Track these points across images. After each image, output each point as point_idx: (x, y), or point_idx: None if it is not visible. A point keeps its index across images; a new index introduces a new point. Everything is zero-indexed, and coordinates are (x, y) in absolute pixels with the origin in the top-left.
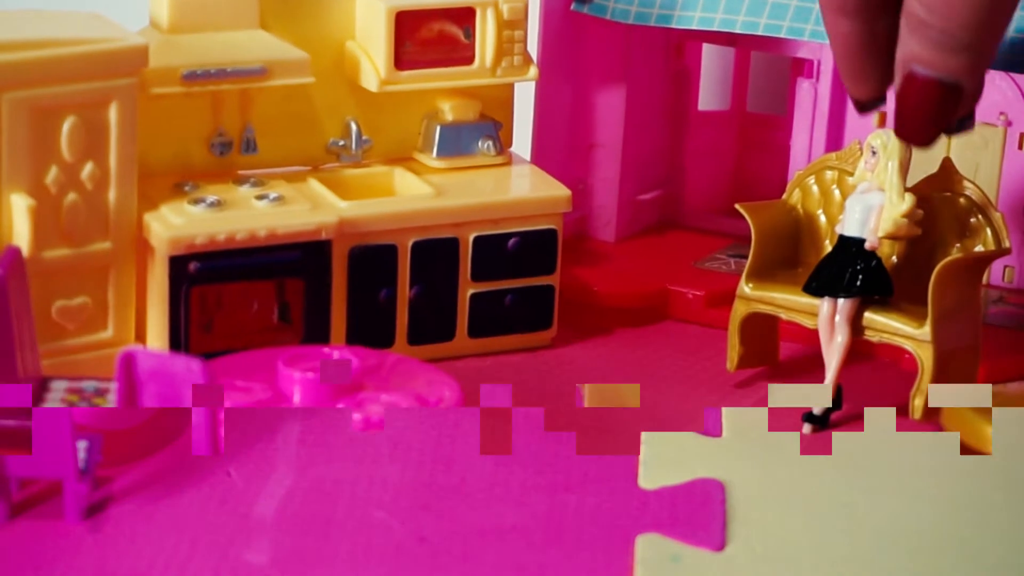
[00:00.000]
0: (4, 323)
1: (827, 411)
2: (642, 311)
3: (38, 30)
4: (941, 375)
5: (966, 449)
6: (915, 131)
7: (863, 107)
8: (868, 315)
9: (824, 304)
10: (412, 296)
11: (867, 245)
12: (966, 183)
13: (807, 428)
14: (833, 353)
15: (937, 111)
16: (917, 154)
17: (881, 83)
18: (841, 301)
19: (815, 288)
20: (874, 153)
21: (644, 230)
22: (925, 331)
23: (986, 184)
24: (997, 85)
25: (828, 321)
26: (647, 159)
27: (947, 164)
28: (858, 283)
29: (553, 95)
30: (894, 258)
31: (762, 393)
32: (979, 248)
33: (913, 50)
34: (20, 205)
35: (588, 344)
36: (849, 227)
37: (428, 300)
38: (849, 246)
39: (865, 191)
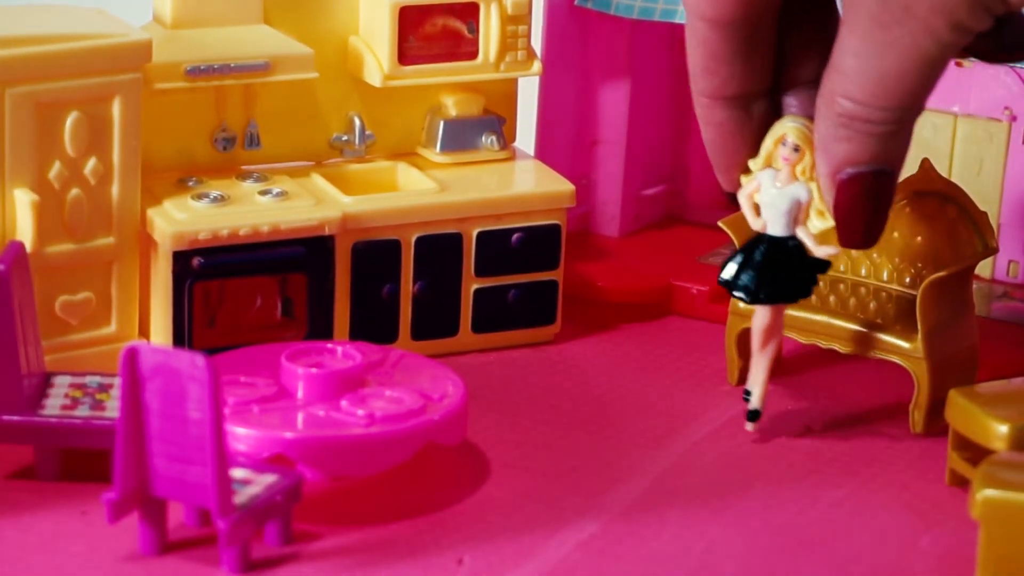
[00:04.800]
0: (7, 318)
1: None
2: (646, 306)
3: (42, 25)
4: (938, 385)
5: (973, 447)
6: (865, 233)
7: (733, 200)
8: (860, 330)
9: (766, 311)
10: (416, 291)
11: (823, 254)
12: (948, 183)
13: (751, 426)
14: (766, 356)
15: (883, 203)
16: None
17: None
18: (779, 306)
19: (755, 297)
20: (797, 149)
21: (648, 225)
22: (917, 347)
23: (991, 180)
24: (1002, 80)
25: (769, 327)
26: (651, 154)
27: (926, 164)
28: (807, 285)
29: (557, 90)
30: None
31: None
32: (965, 249)
33: (846, 152)
34: (24, 200)
35: (592, 339)
36: (776, 226)
37: (432, 295)
38: (783, 247)
39: (783, 184)
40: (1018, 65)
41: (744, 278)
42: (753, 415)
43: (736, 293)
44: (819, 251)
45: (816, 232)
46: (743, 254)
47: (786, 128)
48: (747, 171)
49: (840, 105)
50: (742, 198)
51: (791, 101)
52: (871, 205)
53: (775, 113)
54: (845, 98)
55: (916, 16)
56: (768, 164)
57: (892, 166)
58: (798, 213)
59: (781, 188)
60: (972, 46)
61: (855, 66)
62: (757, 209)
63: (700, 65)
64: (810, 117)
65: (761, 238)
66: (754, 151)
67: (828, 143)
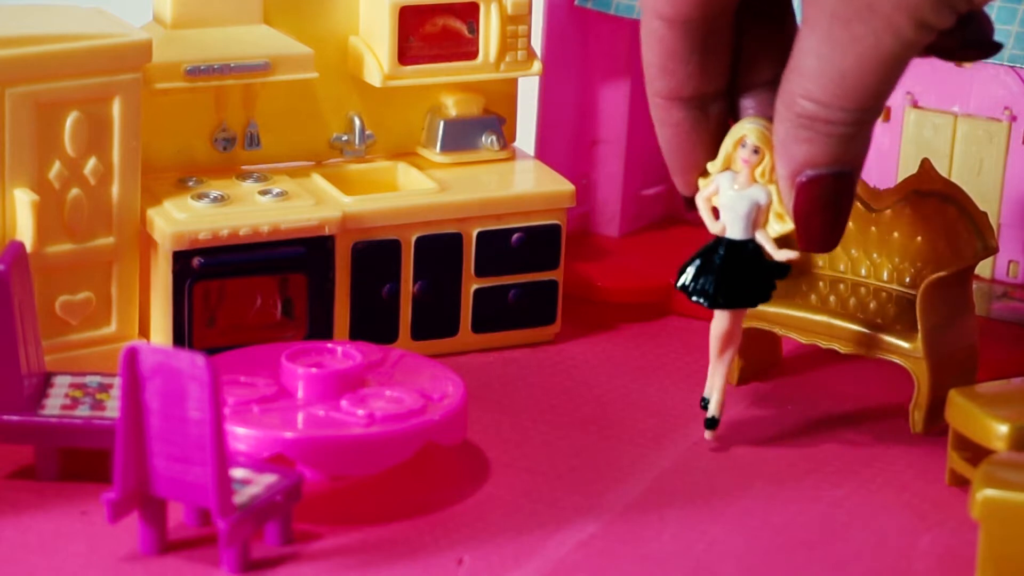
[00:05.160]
0: (7, 318)
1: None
2: (646, 306)
3: (42, 25)
4: (938, 385)
5: (973, 447)
6: (825, 236)
7: (690, 204)
8: (860, 330)
9: (725, 317)
10: (416, 291)
11: (783, 258)
12: (948, 183)
13: (709, 434)
14: (727, 360)
15: (843, 206)
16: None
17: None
18: (738, 311)
19: (716, 302)
20: (756, 151)
21: (648, 225)
22: (917, 347)
23: (991, 180)
24: (1002, 80)
25: (728, 332)
26: (651, 154)
27: (926, 164)
28: (766, 290)
29: (557, 90)
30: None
31: (763, 391)
32: (965, 249)
33: (806, 154)
34: (23, 200)
35: (591, 339)
36: (735, 229)
37: (431, 295)
38: (741, 251)
39: (736, 186)
40: (1018, 64)
41: (702, 282)
42: (711, 423)
43: (695, 298)
44: (778, 255)
45: (775, 235)
46: (701, 258)
47: (746, 129)
48: (704, 174)
49: (800, 106)
50: (700, 201)
51: (748, 103)
52: (831, 207)
53: (732, 115)
54: (805, 99)
55: (878, 13)
56: (727, 166)
57: (852, 167)
58: (757, 216)
59: (740, 191)
60: (934, 44)
61: (815, 66)
62: (715, 212)
63: (657, 65)
64: (769, 118)
65: (719, 242)
66: (711, 153)
67: (787, 145)
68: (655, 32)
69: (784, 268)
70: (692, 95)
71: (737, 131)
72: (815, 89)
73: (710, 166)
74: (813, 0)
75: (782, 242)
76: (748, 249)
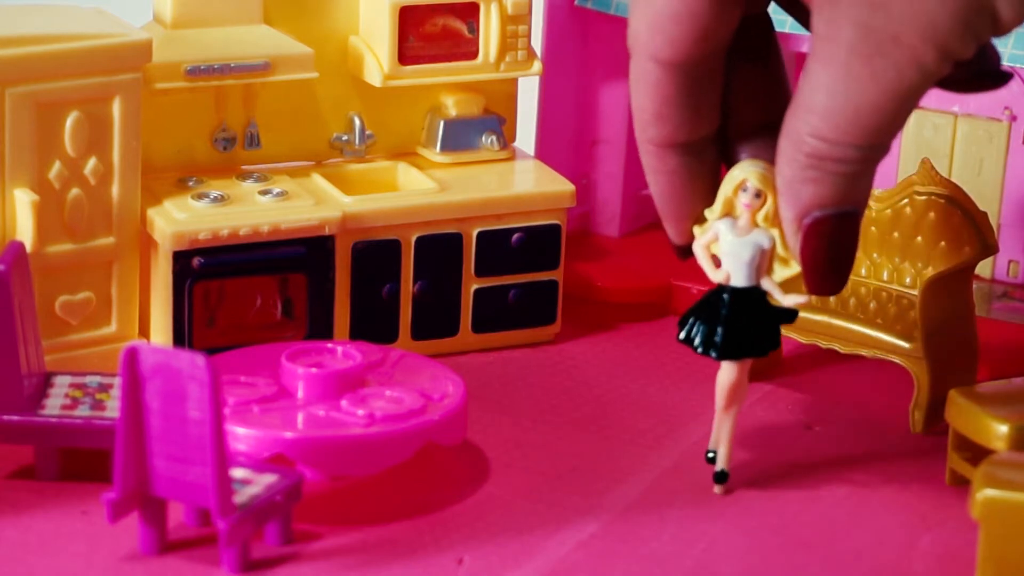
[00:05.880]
0: (8, 318)
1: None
2: (646, 306)
3: (42, 25)
4: (938, 385)
5: (973, 447)
6: (834, 277)
7: (685, 253)
8: (860, 330)
9: (733, 367)
10: (416, 291)
11: (791, 303)
12: (948, 183)
13: (719, 489)
14: (731, 415)
15: (850, 246)
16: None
17: (695, 225)
18: (745, 361)
19: (725, 353)
20: (758, 195)
21: (648, 225)
22: (917, 347)
23: (991, 180)
24: None
25: (736, 383)
26: None
27: (926, 164)
28: (774, 336)
29: (557, 90)
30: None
31: (762, 392)
32: (965, 248)
33: (815, 195)
34: (24, 200)
35: (592, 339)
36: (739, 277)
37: (432, 295)
38: (747, 298)
39: (743, 232)
40: (1018, 64)
41: (708, 333)
42: (720, 477)
43: (701, 350)
44: (787, 300)
45: (780, 280)
46: (704, 308)
47: (747, 173)
48: (700, 221)
49: (809, 145)
50: (698, 249)
51: (741, 145)
52: (838, 248)
53: (723, 158)
54: (815, 137)
55: (904, 45)
56: (727, 212)
57: (858, 207)
58: (761, 262)
59: (741, 236)
60: (946, 76)
61: (827, 103)
62: (716, 260)
63: (651, 111)
64: (766, 160)
65: (723, 290)
66: (707, 200)
67: (794, 186)
68: (648, 75)
69: (792, 314)
70: (687, 141)
71: (737, 175)
72: (825, 127)
73: (708, 213)
74: (827, 36)
75: (787, 286)
76: (754, 296)
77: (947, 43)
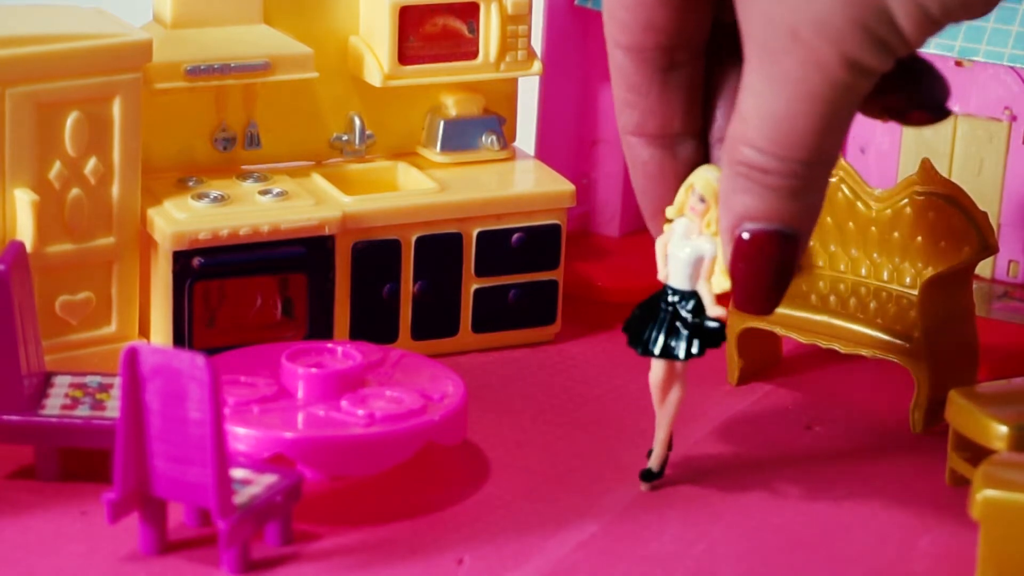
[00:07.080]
0: (8, 318)
1: (662, 467)
2: None
3: (42, 25)
4: (938, 385)
5: (973, 447)
6: (761, 299)
7: None
8: (860, 330)
9: (660, 366)
10: (416, 291)
11: (714, 314)
12: (948, 183)
13: (644, 486)
14: (668, 411)
15: (781, 270)
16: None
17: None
18: (672, 361)
19: (652, 352)
20: (703, 200)
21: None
22: (917, 347)
23: (991, 180)
24: (1002, 80)
25: (664, 381)
26: None
27: (926, 164)
28: (696, 344)
29: (557, 90)
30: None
31: (762, 392)
32: (965, 248)
33: (745, 206)
34: (24, 200)
35: (591, 339)
36: (678, 278)
37: (432, 295)
38: (685, 302)
39: (689, 234)
40: (1018, 64)
41: (639, 328)
42: (646, 475)
43: (631, 343)
44: (712, 310)
45: (720, 291)
46: (648, 304)
47: (696, 177)
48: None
49: (740, 153)
50: (658, 246)
51: (718, 149)
52: (769, 268)
53: (705, 160)
54: (745, 144)
55: (802, 42)
56: (681, 213)
57: (797, 228)
58: (701, 267)
59: (685, 239)
60: (880, 102)
61: (753, 107)
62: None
63: (620, 97)
64: None
65: (666, 289)
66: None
67: (728, 195)
68: (615, 61)
69: (718, 335)
70: (656, 133)
71: (691, 178)
72: (754, 134)
73: (668, 211)
74: (745, 32)
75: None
76: (691, 302)
77: (847, 48)
